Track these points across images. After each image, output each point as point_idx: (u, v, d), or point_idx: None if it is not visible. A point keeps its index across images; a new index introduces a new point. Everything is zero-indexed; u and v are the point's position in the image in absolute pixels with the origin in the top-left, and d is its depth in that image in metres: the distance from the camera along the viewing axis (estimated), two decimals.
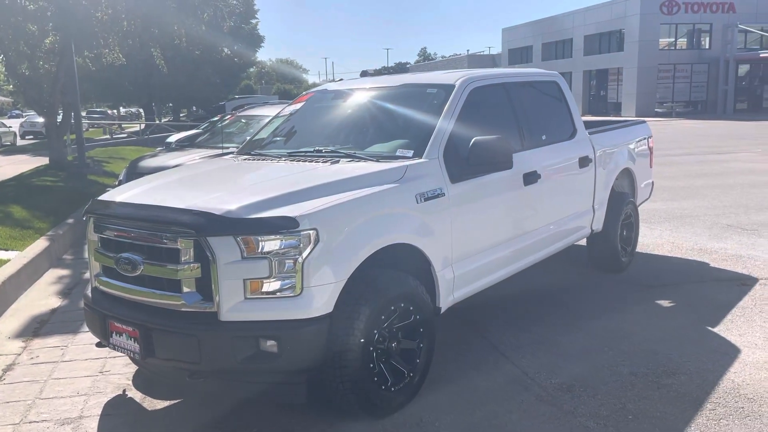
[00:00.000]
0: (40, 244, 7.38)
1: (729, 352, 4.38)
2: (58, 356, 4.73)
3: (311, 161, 4.14)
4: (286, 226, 3.18)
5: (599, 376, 4.06)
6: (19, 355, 4.79)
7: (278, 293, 3.21)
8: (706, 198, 10.79)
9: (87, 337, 5.02)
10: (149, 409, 3.91)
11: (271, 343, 3.19)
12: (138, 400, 4.01)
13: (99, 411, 3.88)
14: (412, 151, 4.06)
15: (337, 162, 4.04)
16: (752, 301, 5.45)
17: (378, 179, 3.71)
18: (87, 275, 4.03)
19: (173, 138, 16.52)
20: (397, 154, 4.09)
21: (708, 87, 44.11)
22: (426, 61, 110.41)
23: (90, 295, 3.83)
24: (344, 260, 3.35)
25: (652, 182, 7.45)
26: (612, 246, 6.21)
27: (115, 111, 50.16)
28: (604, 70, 47.50)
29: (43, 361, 4.64)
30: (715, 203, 10.29)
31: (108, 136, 32.00)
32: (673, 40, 44.25)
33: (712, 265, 6.70)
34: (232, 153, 4.90)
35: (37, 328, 5.36)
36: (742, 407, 3.61)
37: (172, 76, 30.73)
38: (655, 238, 7.82)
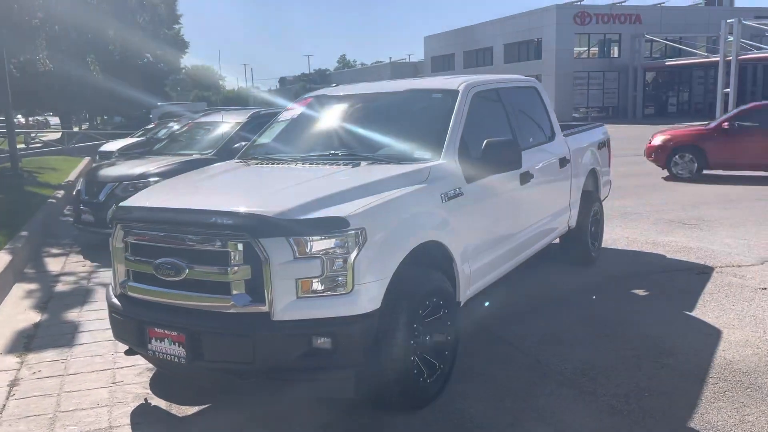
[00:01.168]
0: (2, 259, 7.05)
1: (712, 333, 4.81)
2: (61, 370, 4.59)
3: (331, 164, 4.24)
4: (337, 225, 3.29)
5: (606, 360, 4.36)
6: (19, 370, 4.62)
7: (330, 291, 3.31)
8: (642, 196, 11.55)
9: (85, 350, 4.92)
10: (179, 415, 3.90)
11: (325, 340, 3.28)
12: (164, 408, 3.99)
13: (127, 420, 3.83)
14: (430, 153, 4.25)
15: (358, 165, 4.17)
16: (715, 287, 5.95)
17: (407, 180, 3.87)
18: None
19: (109, 146, 16.06)
20: (416, 156, 4.27)
21: (619, 93, 46.69)
22: (345, 68, 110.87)
23: (118, 302, 3.78)
24: (389, 257, 3.49)
25: (611, 181, 7.96)
26: (584, 241, 6.62)
27: (24, 119, 47.60)
28: None
29: (48, 375, 4.50)
30: (651, 201, 11.05)
31: (24, 146, 30.37)
32: (586, 49, 46.58)
33: (668, 256, 7.23)
34: (214, 160, 4.92)
35: (27, 343, 5.17)
36: (740, 380, 3.99)
37: (92, 83, 29.55)
38: (611, 234, 8.32)
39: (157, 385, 4.28)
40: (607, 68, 46.32)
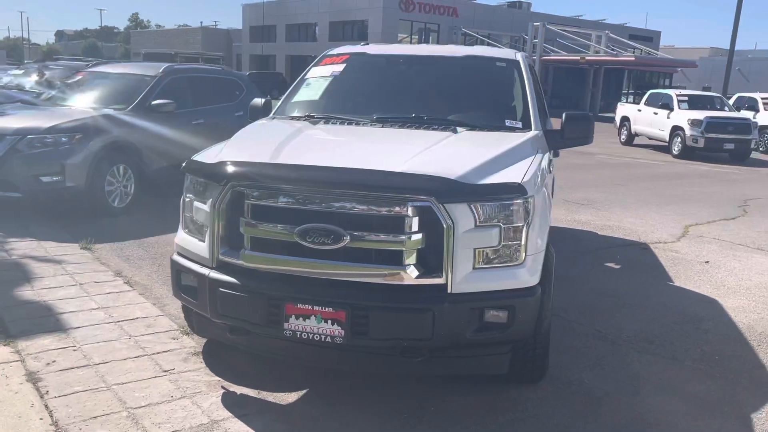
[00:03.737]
0: None
1: (710, 301, 5.36)
2: (82, 359, 3.77)
3: (426, 129, 3.96)
4: (516, 192, 3.10)
5: (654, 328, 4.66)
6: (23, 361, 3.70)
7: (504, 262, 3.11)
8: None
9: (88, 334, 4.13)
10: (282, 403, 3.42)
11: (501, 313, 3.09)
12: (255, 396, 3.47)
13: (226, 413, 3.27)
14: (521, 123, 4.16)
15: (456, 130, 3.94)
16: (668, 262, 6.62)
17: (532, 148, 3.76)
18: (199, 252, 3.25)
19: None
20: (507, 125, 4.15)
21: None
22: (139, 28, 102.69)
23: (225, 275, 3.18)
24: (544, 228, 3.39)
25: None
26: None
27: None
28: None
29: (72, 366, 3.66)
30: None
31: None
32: (408, 35, 48.32)
33: (599, 233, 7.88)
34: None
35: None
36: None
37: None
38: None
39: (219, 370, 3.71)
40: None
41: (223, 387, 3.54)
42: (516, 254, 3.13)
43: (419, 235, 2.97)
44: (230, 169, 3.20)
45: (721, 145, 17.58)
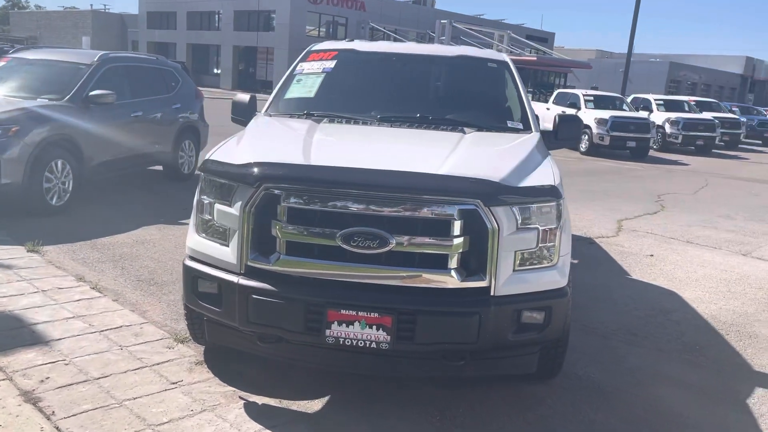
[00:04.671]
0: None
1: (669, 293, 5.71)
2: (78, 373, 3.48)
3: (433, 129, 3.96)
4: (553, 194, 3.17)
5: (631, 321, 4.90)
6: (11, 379, 3.36)
7: (539, 263, 3.17)
8: None
9: (74, 346, 3.83)
10: (308, 412, 3.32)
11: (538, 314, 3.14)
12: (278, 405, 3.35)
13: (256, 425, 3.14)
14: (521, 124, 4.24)
15: (462, 131, 3.96)
16: (617, 255, 6.98)
17: (544, 150, 3.84)
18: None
19: None
20: (509, 126, 4.22)
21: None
22: (17, 8, 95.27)
23: (257, 281, 3.03)
24: (569, 229, 3.48)
25: None
26: None
27: None
28: (253, 48, 48.67)
29: (71, 383, 3.37)
30: None
31: None
32: (315, 28, 47.86)
33: None
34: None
35: None
36: (739, 330, 4.88)
37: None
38: None
39: (229, 379, 3.55)
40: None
41: (241, 397, 3.39)
42: (551, 256, 3.20)
43: (463, 239, 2.97)
44: (264, 170, 3.05)
45: (624, 143, 18.69)
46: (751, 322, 5.09)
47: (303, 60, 4.75)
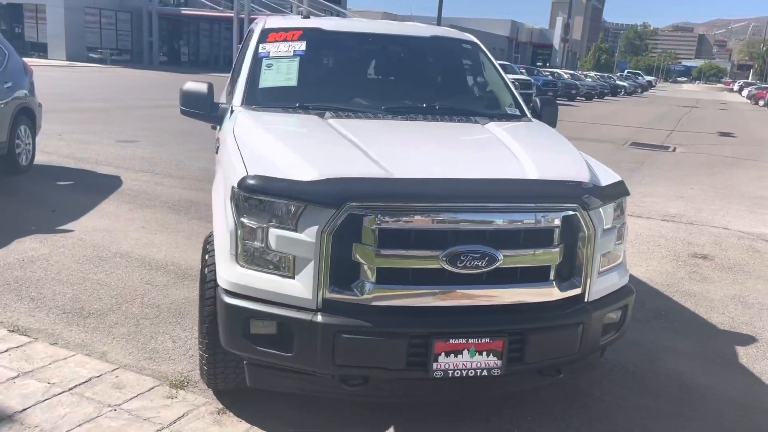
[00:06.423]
0: None
1: None
2: (81, 422, 2.74)
3: (448, 120, 3.69)
4: (625, 191, 3.12)
5: None
6: None
7: (615, 262, 3.11)
8: None
9: (49, 416, 3.04)
10: None
11: (615, 314, 3.08)
12: None
13: None
14: (518, 110, 4.12)
15: (476, 121, 3.74)
16: None
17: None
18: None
19: None
20: (508, 112, 4.07)
21: (133, 37, 44.94)
22: None
23: (350, 319, 2.58)
24: None
25: None
26: None
27: None
28: (17, 5, 42.42)
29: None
30: None
31: None
32: None
33: None
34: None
35: None
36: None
37: None
38: None
39: (276, 428, 3.04)
40: (119, 8, 43.89)
41: None
42: (620, 254, 3.15)
43: (561, 247, 2.79)
44: (348, 187, 2.56)
45: None
46: (677, 281, 5.58)
47: (262, 41, 4.09)
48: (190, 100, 3.85)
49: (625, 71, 79.10)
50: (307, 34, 4.15)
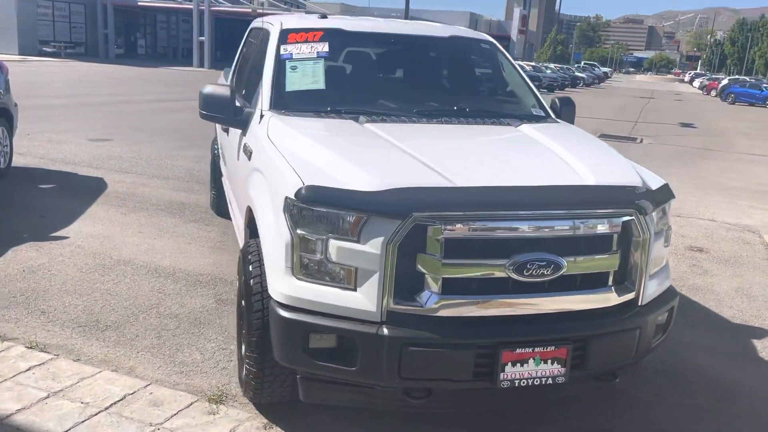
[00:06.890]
0: None
1: None
2: None
3: (483, 123, 3.68)
4: (671, 194, 3.14)
5: None
6: None
7: (661, 265, 3.13)
8: None
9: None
10: None
11: (662, 316, 3.08)
12: None
13: None
14: (541, 111, 4.11)
15: (507, 124, 3.72)
16: None
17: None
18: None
19: None
20: (533, 113, 4.06)
21: (87, 29, 43.57)
22: None
23: (417, 330, 2.53)
24: None
25: None
26: None
27: None
28: None
29: None
30: None
31: None
32: None
33: None
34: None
35: None
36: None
37: None
38: None
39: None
40: (73, 0, 42.48)
41: None
42: (665, 257, 3.18)
43: (619, 252, 2.80)
44: (414, 197, 2.51)
45: None
46: (681, 275, 5.69)
47: (283, 42, 3.97)
48: (211, 104, 3.72)
49: (582, 63, 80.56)
50: (328, 34, 4.04)
